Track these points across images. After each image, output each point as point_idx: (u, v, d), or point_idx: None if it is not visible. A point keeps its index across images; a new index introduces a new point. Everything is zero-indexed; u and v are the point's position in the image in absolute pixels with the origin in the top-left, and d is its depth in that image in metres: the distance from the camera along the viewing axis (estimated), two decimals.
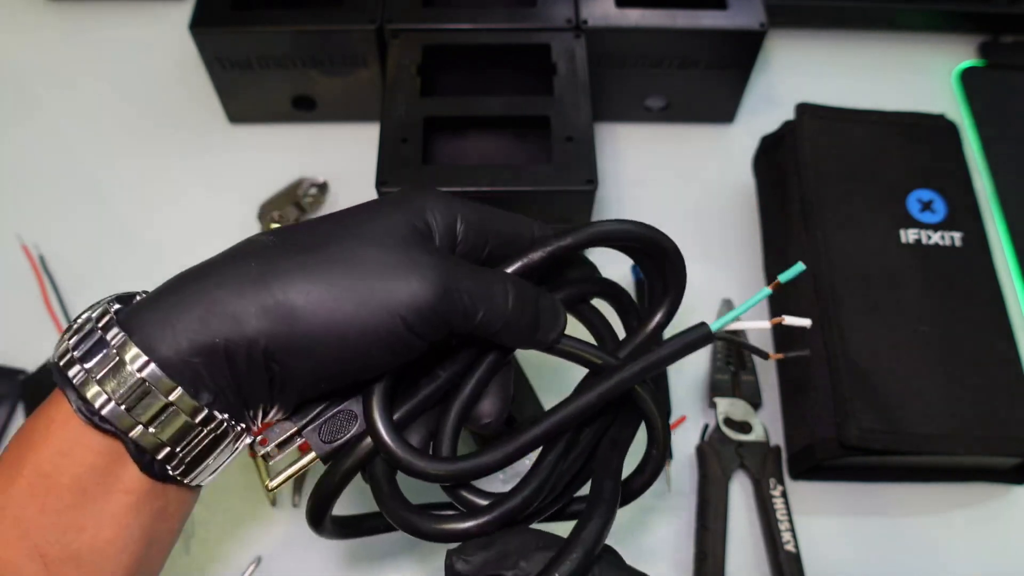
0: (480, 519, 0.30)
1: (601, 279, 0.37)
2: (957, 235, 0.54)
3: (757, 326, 0.33)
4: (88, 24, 0.73)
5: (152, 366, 0.26)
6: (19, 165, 0.65)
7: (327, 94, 0.64)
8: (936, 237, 0.54)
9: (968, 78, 0.70)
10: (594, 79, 0.56)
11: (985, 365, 0.49)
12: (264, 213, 0.61)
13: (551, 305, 0.32)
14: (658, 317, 0.35)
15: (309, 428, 0.31)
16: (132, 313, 0.28)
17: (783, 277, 0.31)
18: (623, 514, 0.50)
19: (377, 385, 0.30)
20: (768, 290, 0.32)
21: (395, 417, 0.31)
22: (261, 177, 0.63)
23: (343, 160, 0.64)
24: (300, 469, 0.32)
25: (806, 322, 0.32)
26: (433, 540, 0.30)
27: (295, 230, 0.29)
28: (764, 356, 0.34)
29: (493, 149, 0.58)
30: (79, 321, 0.28)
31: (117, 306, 0.28)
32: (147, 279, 0.59)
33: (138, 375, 0.26)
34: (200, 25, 0.58)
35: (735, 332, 0.56)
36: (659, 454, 0.35)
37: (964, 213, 0.55)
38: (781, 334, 0.55)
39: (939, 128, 0.58)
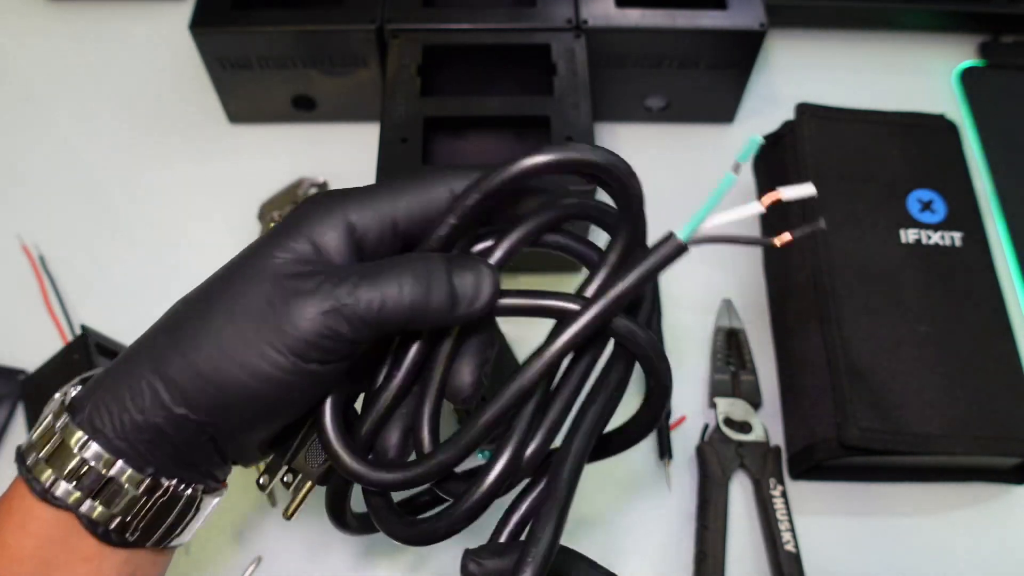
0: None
1: (561, 204, 0.32)
2: (957, 235, 0.54)
3: (742, 214, 0.28)
4: (88, 24, 0.73)
5: (94, 445, 0.28)
6: (19, 165, 0.65)
7: (327, 94, 0.64)
8: (936, 237, 0.54)
9: (968, 78, 0.70)
10: (594, 79, 0.56)
11: (985, 365, 0.49)
12: (264, 213, 0.61)
13: (470, 272, 0.29)
14: (620, 243, 0.30)
15: (297, 458, 0.32)
16: (80, 396, 0.29)
17: (741, 157, 0.28)
18: (623, 513, 0.50)
19: (324, 409, 0.30)
20: (733, 176, 0.28)
21: (364, 431, 0.31)
22: (261, 177, 0.63)
23: (343, 160, 0.64)
24: (305, 494, 0.33)
25: (808, 190, 0.27)
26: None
27: (193, 297, 0.30)
28: (768, 243, 0.28)
29: (493, 149, 0.58)
30: (45, 409, 0.30)
31: (74, 392, 0.30)
32: (147, 279, 0.60)
33: (80, 454, 0.28)
34: (200, 25, 0.58)
35: (736, 333, 0.56)
36: (658, 395, 0.31)
37: (964, 213, 0.55)
38: (778, 327, 0.55)
39: (939, 128, 0.58)
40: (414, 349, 0.30)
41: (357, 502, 0.34)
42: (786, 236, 0.27)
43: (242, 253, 0.29)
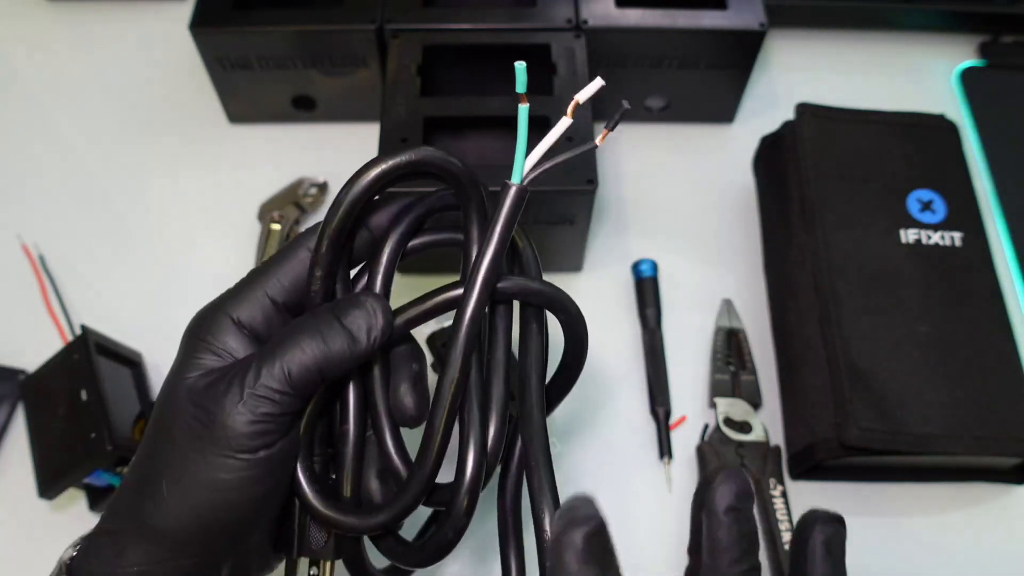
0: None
1: (408, 212, 0.32)
2: (957, 235, 0.54)
3: (556, 135, 0.29)
4: (88, 24, 0.73)
5: None
6: (19, 165, 0.65)
7: (327, 94, 0.64)
8: (936, 237, 0.54)
9: (968, 78, 0.70)
10: (594, 79, 0.56)
11: (985, 365, 0.49)
12: (264, 213, 0.61)
13: (356, 309, 0.30)
14: (471, 217, 0.31)
15: (304, 545, 0.32)
16: (76, 558, 0.30)
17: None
18: (623, 513, 0.50)
19: (300, 483, 0.31)
20: (525, 105, 0.29)
21: (348, 491, 0.32)
22: (261, 177, 0.63)
23: (343, 160, 0.63)
24: (331, 574, 0.33)
25: (597, 83, 0.28)
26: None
27: (144, 446, 0.31)
28: (593, 146, 0.30)
29: (493, 149, 0.58)
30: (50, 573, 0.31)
31: (73, 552, 0.31)
32: (147, 279, 0.60)
33: None
34: (200, 25, 0.58)
35: (736, 333, 0.56)
36: (572, 327, 0.32)
37: (964, 213, 0.55)
38: (778, 327, 0.55)
39: (939, 128, 0.58)
40: (351, 396, 0.32)
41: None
42: (603, 132, 0.29)
43: (162, 388, 0.31)
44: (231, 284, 0.32)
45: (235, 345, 0.30)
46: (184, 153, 0.65)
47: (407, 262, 0.34)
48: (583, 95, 0.28)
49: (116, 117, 0.67)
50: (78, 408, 0.48)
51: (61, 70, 0.70)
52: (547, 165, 0.29)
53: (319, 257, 0.30)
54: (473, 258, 0.30)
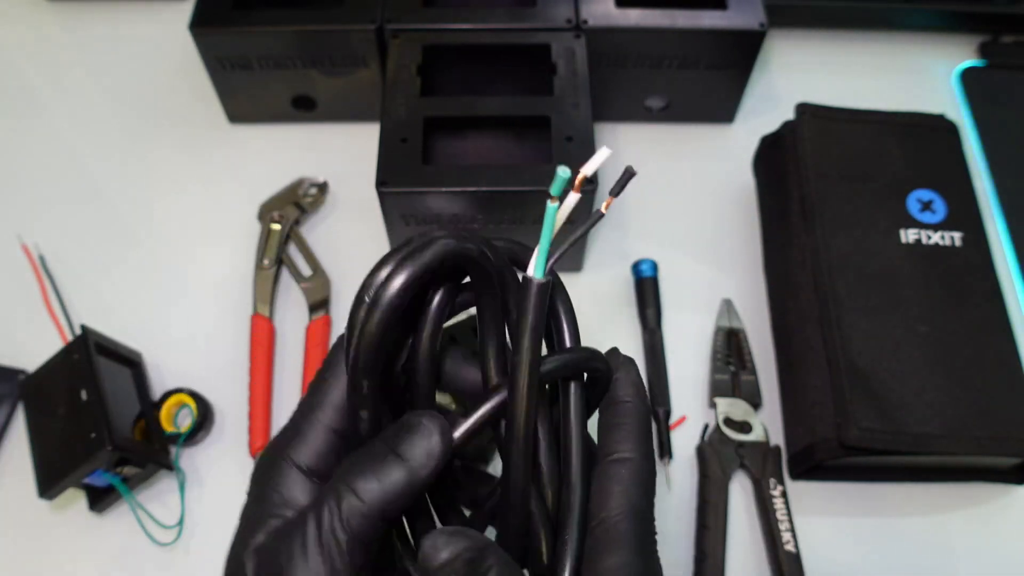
0: None
1: (445, 300, 0.29)
2: (957, 235, 0.54)
3: (565, 213, 0.27)
4: (88, 24, 0.73)
5: None
6: (19, 165, 0.65)
7: (327, 94, 0.64)
8: (936, 237, 0.54)
9: (968, 78, 0.70)
10: (594, 79, 0.56)
11: (985, 365, 0.49)
12: (264, 213, 0.61)
13: (414, 435, 0.27)
14: (491, 329, 0.30)
15: None
16: None
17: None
18: None
19: None
20: (554, 206, 0.26)
21: None
22: (261, 177, 0.63)
23: (343, 160, 0.64)
24: None
25: (604, 153, 0.27)
26: None
27: None
28: (599, 216, 0.29)
29: (493, 149, 0.58)
30: None
31: None
32: (147, 279, 0.60)
33: None
34: (200, 25, 0.58)
35: (736, 333, 0.56)
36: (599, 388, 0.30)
37: (964, 213, 0.55)
38: (778, 327, 0.55)
39: (939, 128, 0.58)
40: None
41: None
42: (608, 200, 0.28)
43: (230, 548, 0.29)
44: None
45: (298, 494, 0.29)
46: (184, 153, 0.65)
47: None
48: (589, 167, 0.26)
49: (116, 117, 0.67)
50: (78, 408, 0.48)
51: (61, 70, 0.70)
52: (564, 248, 0.27)
53: (361, 400, 0.27)
54: (511, 361, 0.27)
